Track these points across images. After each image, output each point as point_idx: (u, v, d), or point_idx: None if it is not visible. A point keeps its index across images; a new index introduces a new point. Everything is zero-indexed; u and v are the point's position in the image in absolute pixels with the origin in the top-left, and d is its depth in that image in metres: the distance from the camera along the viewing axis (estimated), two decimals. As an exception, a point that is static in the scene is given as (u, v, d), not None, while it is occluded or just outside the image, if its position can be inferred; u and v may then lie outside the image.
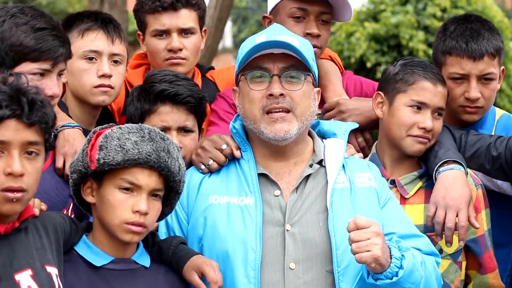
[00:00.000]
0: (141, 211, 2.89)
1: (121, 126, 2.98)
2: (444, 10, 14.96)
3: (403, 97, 3.54)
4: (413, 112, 3.52)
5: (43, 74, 3.10)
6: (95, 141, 2.93)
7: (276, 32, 3.20)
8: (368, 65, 14.39)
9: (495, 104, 4.00)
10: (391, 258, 2.98)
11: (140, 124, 3.03)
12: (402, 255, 3.01)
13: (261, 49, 3.16)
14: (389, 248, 3.00)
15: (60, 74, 3.17)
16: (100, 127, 3.02)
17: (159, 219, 3.08)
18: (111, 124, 3.06)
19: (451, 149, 3.52)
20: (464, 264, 3.58)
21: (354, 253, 2.93)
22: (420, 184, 3.57)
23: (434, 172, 3.47)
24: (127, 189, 2.90)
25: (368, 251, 2.91)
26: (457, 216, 3.37)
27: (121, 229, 2.91)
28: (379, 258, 2.91)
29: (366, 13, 15.68)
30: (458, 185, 3.40)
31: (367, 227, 2.94)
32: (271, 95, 3.14)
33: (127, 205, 2.90)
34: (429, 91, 3.52)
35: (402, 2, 15.34)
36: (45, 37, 3.09)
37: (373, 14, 15.55)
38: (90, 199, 2.98)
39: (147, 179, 2.91)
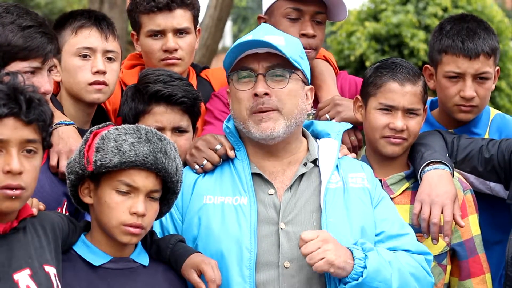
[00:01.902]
0: (138, 213, 2.90)
1: (118, 127, 2.98)
2: (445, 10, 14.97)
3: (373, 101, 3.54)
4: (383, 114, 3.52)
5: (33, 72, 3.10)
6: (92, 141, 2.93)
7: (262, 32, 3.21)
8: (368, 64, 14.38)
9: (495, 104, 4.02)
10: (353, 259, 3.01)
11: (137, 124, 3.02)
12: (366, 255, 3.03)
13: (245, 49, 3.17)
14: (351, 251, 3.02)
15: (50, 70, 3.17)
16: (97, 126, 3.01)
17: (157, 218, 3.08)
18: (108, 123, 3.06)
19: (437, 151, 3.52)
20: (449, 268, 3.58)
21: (310, 265, 2.98)
22: (407, 185, 3.57)
23: (419, 173, 3.47)
24: (124, 191, 2.91)
25: (322, 258, 2.95)
26: (442, 212, 3.37)
27: (119, 230, 2.92)
28: (333, 262, 2.96)
29: (367, 13, 15.69)
30: (443, 182, 3.40)
31: (314, 238, 2.98)
32: (256, 94, 3.15)
33: (125, 207, 2.90)
34: (396, 92, 3.50)
35: (403, 1, 15.34)
36: (32, 35, 3.08)
37: (374, 14, 15.56)
38: (87, 200, 2.98)
39: (144, 181, 2.92)
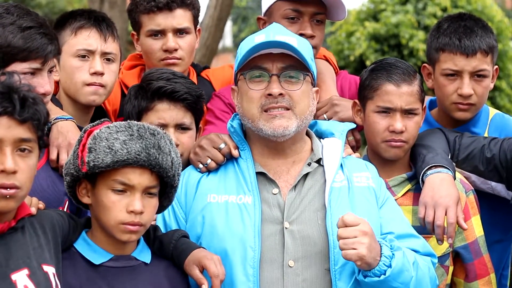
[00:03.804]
0: (135, 211, 2.89)
1: (109, 125, 2.95)
2: (444, 10, 14.97)
3: (371, 104, 3.54)
4: (382, 117, 3.51)
5: (33, 73, 3.09)
6: (86, 140, 2.92)
7: (275, 32, 3.20)
8: (368, 64, 14.37)
9: (495, 104, 4.02)
10: (381, 256, 3.01)
11: (128, 121, 2.98)
12: (393, 254, 3.03)
13: (260, 49, 3.17)
14: (380, 246, 3.02)
15: (50, 71, 3.16)
16: (91, 124, 3.00)
17: (158, 212, 3.07)
18: (103, 120, 3.03)
19: (439, 154, 3.52)
20: (451, 269, 3.58)
21: (341, 249, 2.96)
22: (408, 186, 3.57)
23: (421, 176, 3.47)
24: (120, 190, 2.90)
25: (354, 249, 2.94)
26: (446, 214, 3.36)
27: (118, 229, 2.91)
28: (364, 257, 2.95)
29: (366, 13, 15.68)
30: (445, 185, 3.40)
31: (355, 225, 2.96)
32: (270, 95, 3.15)
33: (121, 206, 2.89)
34: (392, 94, 3.49)
35: (402, 1, 15.34)
36: (32, 36, 3.07)
37: (374, 14, 15.56)
38: (86, 200, 2.98)
39: (139, 178, 2.90)
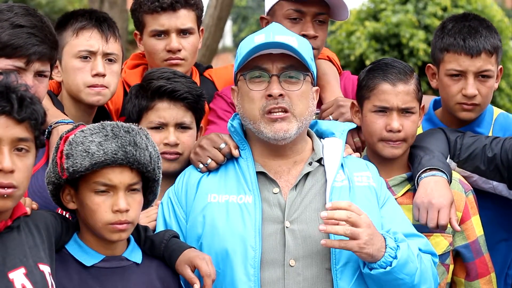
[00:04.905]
0: (121, 210, 2.89)
1: (83, 128, 2.95)
2: (445, 9, 14.97)
3: (367, 104, 3.54)
4: (379, 117, 3.52)
5: (18, 72, 3.04)
6: (63, 147, 2.91)
7: (274, 32, 3.20)
8: (368, 63, 14.36)
9: (495, 103, 4.01)
10: (386, 247, 3.02)
11: (102, 122, 2.97)
12: (397, 246, 3.04)
13: (260, 49, 3.16)
14: (384, 238, 3.03)
15: (41, 75, 3.13)
16: (66, 130, 2.99)
17: (144, 208, 3.07)
18: (78, 124, 3.02)
19: (436, 157, 3.52)
20: (451, 267, 3.58)
21: (346, 235, 2.96)
22: (408, 186, 3.57)
23: (416, 178, 3.48)
24: (103, 191, 2.90)
25: (356, 239, 2.96)
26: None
27: (106, 230, 2.91)
28: (364, 248, 2.96)
29: (367, 12, 15.68)
30: (439, 188, 3.40)
31: (361, 215, 2.99)
32: (270, 95, 3.15)
33: (106, 207, 2.90)
34: (388, 93, 3.49)
35: (403, 1, 15.34)
36: (19, 34, 3.06)
37: (374, 13, 15.56)
38: (71, 205, 2.97)
39: (120, 177, 2.90)
